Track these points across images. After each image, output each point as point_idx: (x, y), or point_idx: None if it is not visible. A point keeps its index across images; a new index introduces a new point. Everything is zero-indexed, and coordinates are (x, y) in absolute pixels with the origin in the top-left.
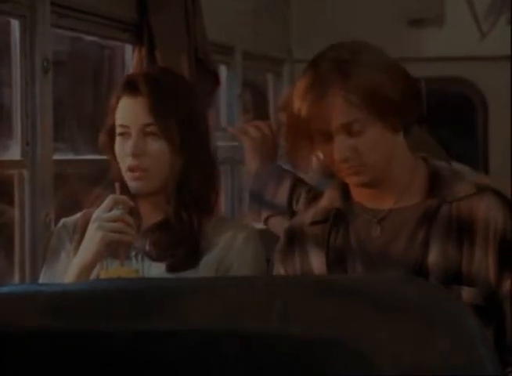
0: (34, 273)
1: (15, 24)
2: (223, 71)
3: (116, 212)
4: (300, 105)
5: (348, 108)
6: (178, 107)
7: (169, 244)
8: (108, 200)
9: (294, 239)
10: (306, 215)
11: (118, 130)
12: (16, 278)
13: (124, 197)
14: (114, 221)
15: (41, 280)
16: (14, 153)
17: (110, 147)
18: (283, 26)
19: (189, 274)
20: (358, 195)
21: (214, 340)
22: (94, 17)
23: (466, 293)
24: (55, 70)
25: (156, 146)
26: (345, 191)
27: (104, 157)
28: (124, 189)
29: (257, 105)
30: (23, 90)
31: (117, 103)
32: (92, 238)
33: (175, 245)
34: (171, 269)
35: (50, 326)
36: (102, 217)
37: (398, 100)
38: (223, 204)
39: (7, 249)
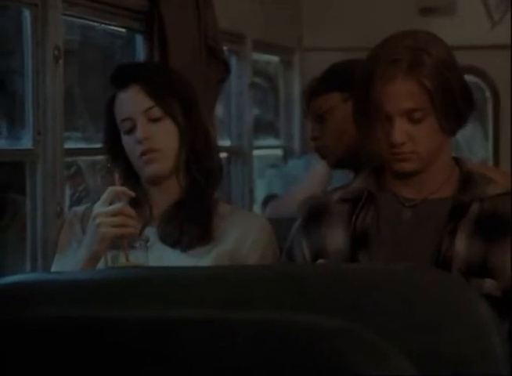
0: (46, 262)
1: (26, 13)
2: (233, 60)
3: (116, 205)
4: (370, 82)
5: (417, 94)
6: (175, 88)
7: (183, 222)
8: (107, 193)
9: (317, 215)
10: (332, 195)
11: (122, 126)
12: (28, 267)
13: (123, 188)
14: (115, 215)
15: (53, 268)
16: (26, 142)
17: (115, 147)
18: (293, 15)
19: (202, 253)
20: (393, 184)
21: (228, 328)
22: (105, 6)
23: (487, 284)
24: (67, 59)
25: (163, 128)
26: (378, 178)
27: None
28: (130, 176)
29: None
30: (34, 79)
31: (113, 101)
32: (94, 234)
33: (189, 222)
34: (184, 248)
35: (64, 313)
36: (102, 212)
37: (457, 95)
38: (234, 194)
39: (19, 238)
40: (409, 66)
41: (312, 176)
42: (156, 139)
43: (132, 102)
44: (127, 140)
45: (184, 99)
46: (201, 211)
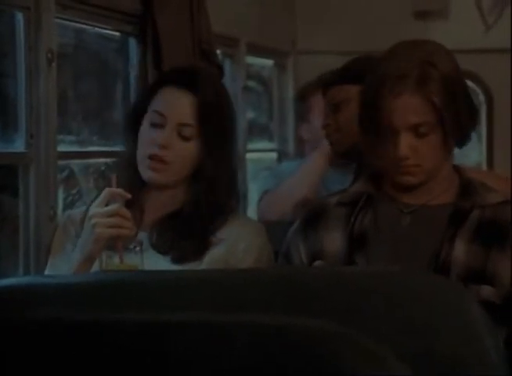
0: (39, 266)
1: (19, 16)
2: (227, 63)
3: (112, 207)
4: (377, 97)
5: (423, 109)
6: (221, 112)
7: (177, 235)
8: (104, 194)
9: (315, 218)
10: (331, 198)
11: (152, 117)
12: (21, 271)
13: (119, 190)
14: (111, 216)
15: (46, 272)
16: (19, 145)
17: (133, 130)
18: (287, 18)
19: (194, 266)
20: (393, 190)
21: (225, 332)
22: (98, 9)
23: (485, 291)
24: (60, 63)
25: (186, 146)
26: (378, 182)
27: (109, 149)
28: (122, 180)
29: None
30: (27, 82)
31: (158, 89)
32: (90, 235)
33: (183, 238)
34: (176, 260)
35: (58, 317)
36: (98, 213)
37: (461, 110)
38: None
39: (12, 241)
40: (416, 83)
41: (309, 166)
42: (173, 154)
43: (177, 105)
44: (147, 131)
45: (222, 123)
46: (196, 230)
